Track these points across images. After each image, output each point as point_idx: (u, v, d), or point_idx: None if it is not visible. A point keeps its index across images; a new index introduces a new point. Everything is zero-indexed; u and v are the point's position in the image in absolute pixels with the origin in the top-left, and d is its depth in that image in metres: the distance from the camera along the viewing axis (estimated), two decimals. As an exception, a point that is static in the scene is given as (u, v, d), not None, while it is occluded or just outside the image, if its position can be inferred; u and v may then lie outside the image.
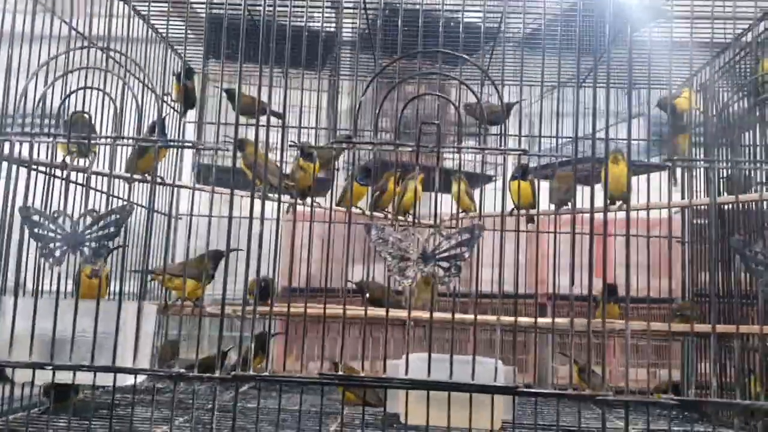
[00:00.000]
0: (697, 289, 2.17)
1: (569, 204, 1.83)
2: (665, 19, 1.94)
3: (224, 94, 2.17)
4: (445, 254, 1.10)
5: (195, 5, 1.99)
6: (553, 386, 2.64)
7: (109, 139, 1.21)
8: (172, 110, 2.14)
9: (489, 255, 2.04)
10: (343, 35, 2.37)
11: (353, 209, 2.08)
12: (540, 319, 1.47)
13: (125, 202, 1.26)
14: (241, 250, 1.27)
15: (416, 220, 2.15)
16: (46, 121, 1.25)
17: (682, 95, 1.89)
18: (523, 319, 1.45)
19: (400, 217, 2.10)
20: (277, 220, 1.51)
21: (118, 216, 1.15)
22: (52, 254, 1.15)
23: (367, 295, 1.36)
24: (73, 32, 1.61)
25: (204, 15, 1.98)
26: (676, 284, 2.35)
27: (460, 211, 2.15)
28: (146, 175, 1.64)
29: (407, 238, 1.10)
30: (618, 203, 1.75)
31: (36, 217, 1.17)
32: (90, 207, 1.35)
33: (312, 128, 2.30)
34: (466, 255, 1.09)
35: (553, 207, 1.98)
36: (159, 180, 1.68)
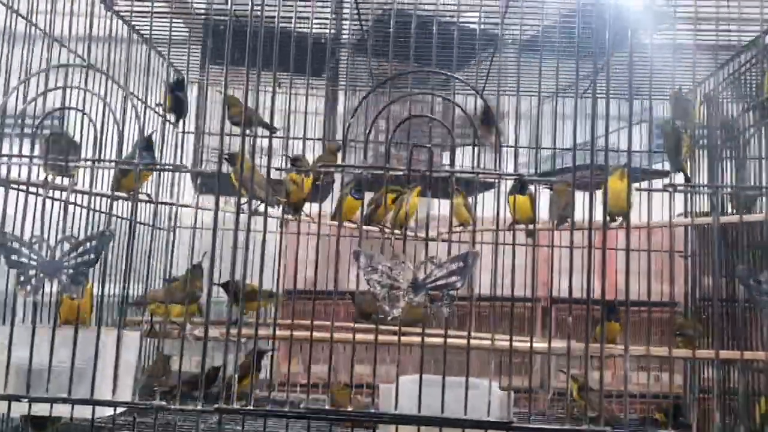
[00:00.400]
0: (701, 294, 2.13)
1: (569, 220, 1.78)
2: (668, 23, 1.90)
3: (213, 104, 2.13)
4: (437, 283, 1.05)
5: (182, 10, 1.94)
6: (553, 392, 2.60)
7: (88, 162, 1.16)
8: (165, 121, 2.09)
9: (487, 265, 2.01)
10: (338, 40, 2.33)
11: (349, 224, 2.03)
12: (536, 344, 1.42)
13: (114, 216, 1.22)
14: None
15: (414, 234, 2.12)
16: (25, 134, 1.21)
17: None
18: (519, 344, 1.40)
19: (396, 231, 2.05)
20: (264, 233, 1.45)
21: (96, 242, 1.11)
22: (29, 282, 1.11)
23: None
24: (52, 39, 1.56)
25: (195, 20, 1.94)
26: (678, 288, 2.31)
27: (458, 224, 2.11)
28: (131, 192, 1.59)
29: (397, 267, 1.06)
30: (619, 220, 1.70)
31: (12, 244, 1.12)
32: (72, 224, 1.31)
33: (304, 139, 2.26)
34: (459, 285, 1.05)
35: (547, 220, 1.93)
36: (146, 198, 1.63)
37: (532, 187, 1.99)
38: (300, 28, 1.72)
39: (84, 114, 1.15)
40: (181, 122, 2.04)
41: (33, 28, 1.48)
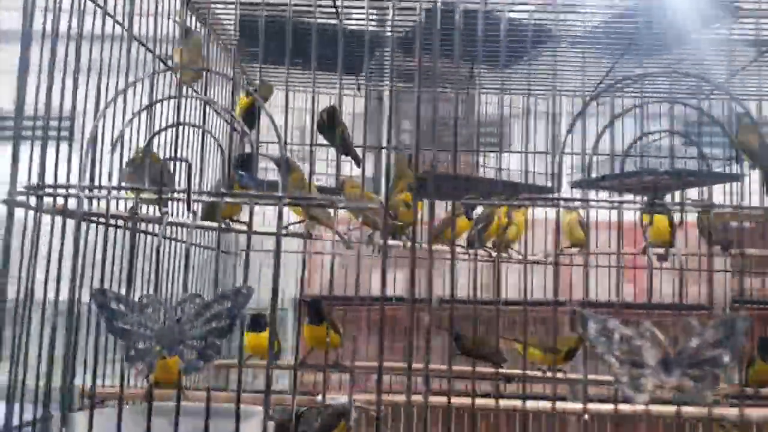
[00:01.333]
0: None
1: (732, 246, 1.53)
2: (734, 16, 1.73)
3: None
4: (697, 360, 0.79)
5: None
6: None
7: (202, 195, 0.90)
8: (236, 132, 1.83)
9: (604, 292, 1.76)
10: (387, 36, 2.10)
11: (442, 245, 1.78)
12: (690, 409, 1.16)
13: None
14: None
15: (522, 255, 1.86)
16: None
17: None
18: (657, 408, 1.15)
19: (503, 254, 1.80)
20: (383, 260, 1.23)
21: (231, 303, 0.84)
22: (141, 357, 0.84)
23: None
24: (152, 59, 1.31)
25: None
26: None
27: (570, 245, 1.85)
28: (228, 220, 1.33)
29: (642, 336, 0.80)
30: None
31: (115, 304, 0.85)
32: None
33: (364, 147, 2.04)
34: (726, 360, 0.79)
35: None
36: (240, 226, 1.36)
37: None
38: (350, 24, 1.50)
39: (210, 135, 0.88)
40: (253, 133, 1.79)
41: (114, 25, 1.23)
